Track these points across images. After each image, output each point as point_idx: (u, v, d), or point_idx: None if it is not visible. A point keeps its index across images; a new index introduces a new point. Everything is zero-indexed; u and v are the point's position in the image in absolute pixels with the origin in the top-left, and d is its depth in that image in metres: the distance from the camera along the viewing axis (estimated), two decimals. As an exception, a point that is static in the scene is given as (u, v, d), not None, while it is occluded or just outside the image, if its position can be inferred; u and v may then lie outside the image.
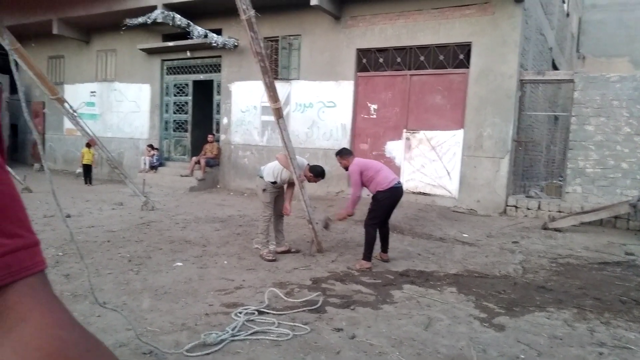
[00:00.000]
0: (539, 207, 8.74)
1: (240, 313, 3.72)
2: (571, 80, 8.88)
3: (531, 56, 10.12)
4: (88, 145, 12.08)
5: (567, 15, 16.39)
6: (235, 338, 3.30)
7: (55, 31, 13.44)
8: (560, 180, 9.84)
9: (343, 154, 5.71)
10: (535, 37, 10.33)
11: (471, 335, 3.53)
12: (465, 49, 9.29)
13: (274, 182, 5.65)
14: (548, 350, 3.33)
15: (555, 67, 13.50)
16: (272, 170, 5.67)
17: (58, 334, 0.52)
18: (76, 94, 14.46)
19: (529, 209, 8.80)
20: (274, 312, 3.82)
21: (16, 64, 4.94)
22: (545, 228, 7.70)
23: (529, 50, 9.83)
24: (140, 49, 13.00)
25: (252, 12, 4.56)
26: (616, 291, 4.70)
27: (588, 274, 5.39)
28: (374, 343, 3.34)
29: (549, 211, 8.56)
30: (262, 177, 5.70)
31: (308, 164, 5.77)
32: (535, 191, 9.69)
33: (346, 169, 5.62)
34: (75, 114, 7.57)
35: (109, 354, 0.57)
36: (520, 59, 8.94)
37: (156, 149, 13.03)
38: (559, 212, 8.46)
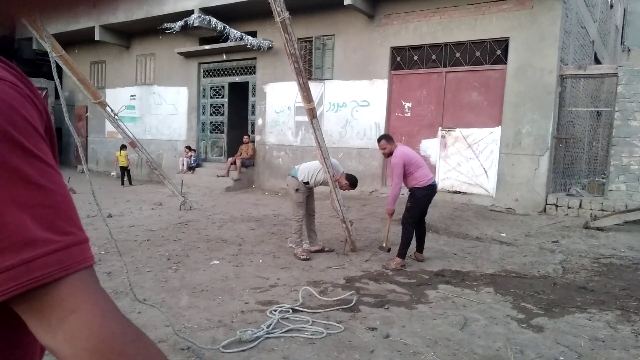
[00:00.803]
0: (580, 206, 8.46)
1: (275, 311, 3.77)
2: (615, 74, 8.56)
3: (572, 50, 9.81)
4: (122, 147, 12.48)
5: (611, 6, 15.77)
6: (270, 335, 3.35)
7: (97, 37, 13.91)
8: (603, 178, 9.50)
9: (389, 139, 5.58)
10: (576, 30, 10.01)
11: (508, 336, 3.47)
12: (503, 44, 9.09)
13: (307, 183, 5.68)
14: (589, 352, 3.23)
15: (597, 61, 13.03)
16: (307, 170, 5.71)
17: (106, 324, 0.56)
18: (117, 97, 14.92)
19: (569, 207, 8.52)
20: (308, 311, 3.86)
21: (58, 70, 5.15)
22: (587, 227, 7.45)
23: (570, 44, 9.53)
24: (178, 53, 13.29)
25: (286, 14, 4.61)
26: (663, 293, 4.52)
27: (632, 274, 5.20)
28: (408, 343, 3.32)
29: (591, 210, 8.28)
30: (294, 177, 5.74)
31: (344, 172, 5.79)
32: (577, 189, 9.39)
33: (388, 155, 5.50)
34: (116, 117, 7.82)
35: (151, 345, 0.61)
36: (560, 53, 8.67)
37: (193, 150, 13.31)
38: (602, 210, 8.16)
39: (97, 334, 0.55)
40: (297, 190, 5.67)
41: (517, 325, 3.70)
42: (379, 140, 5.67)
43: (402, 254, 5.30)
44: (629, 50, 19.31)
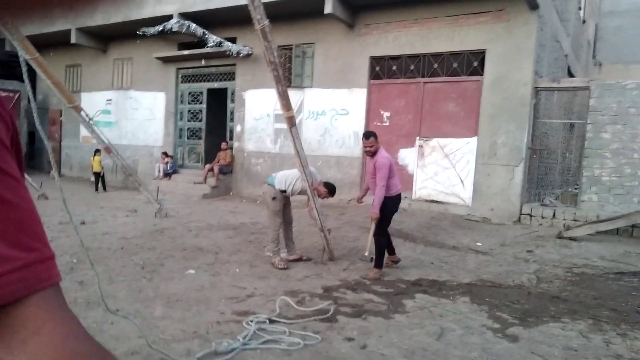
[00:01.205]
0: (553, 216, 8.62)
1: (251, 321, 3.72)
2: (587, 88, 8.78)
3: (546, 63, 10.03)
4: (97, 152, 12.23)
5: (584, 22, 16.23)
6: (246, 347, 3.30)
7: (73, 40, 13.67)
8: (575, 189, 9.71)
9: (377, 137, 5.39)
10: (550, 44, 10.25)
11: (484, 346, 3.49)
12: (480, 56, 9.25)
13: (284, 191, 5.65)
14: (562, 362, 3.28)
15: (571, 74, 13.37)
16: (284, 178, 5.67)
17: (70, 346, 0.53)
18: (93, 102, 14.67)
19: (543, 217, 8.69)
20: (285, 321, 3.82)
21: (32, 72, 5.03)
22: (560, 237, 7.59)
23: (544, 57, 9.75)
24: (156, 58, 13.16)
25: (266, 22, 4.60)
26: (633, 302, 4.61)
27: (604, 284, 5.30)
28: (385, 353, 3.32)
29: (564, 220, 8.44)
30: (271, 185, 5.70)
31: (321, 180, 5.78)
32: (550, 199, 9.57)
33: (372, 154, 5.35)
34: (91, 121, 7.68)
35: None
36: (535, 66, 8.87)
37: (170, 156, 13.14)
38: (574, 220, 8.33)
39: (60, 356, 0.52)
40: (274, 198, 5.62)
41: (493, 334, 3.73)
42: (367, 136, 5.37)
43: (379, 264, 5.33)
44: (600, 64, 19.87)
